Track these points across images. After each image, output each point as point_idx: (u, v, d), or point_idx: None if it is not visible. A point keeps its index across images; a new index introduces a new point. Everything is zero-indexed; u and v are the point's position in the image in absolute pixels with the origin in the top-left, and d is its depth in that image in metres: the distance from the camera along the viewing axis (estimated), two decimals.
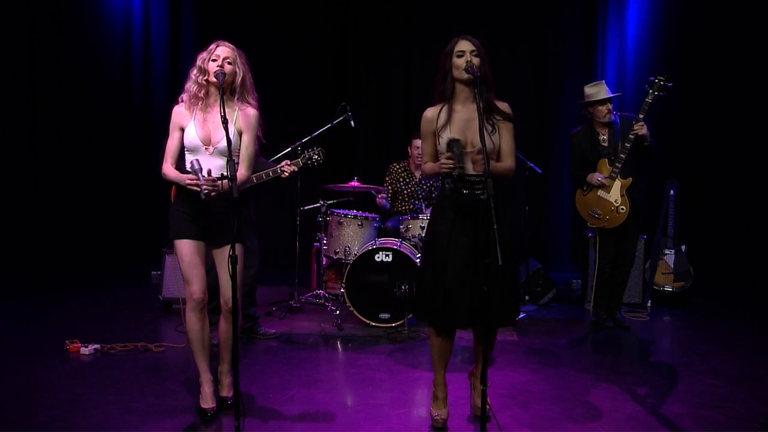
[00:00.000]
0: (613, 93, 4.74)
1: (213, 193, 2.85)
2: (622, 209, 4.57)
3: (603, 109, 4.63)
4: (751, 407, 3.30)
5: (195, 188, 2.87)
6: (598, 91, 4.65)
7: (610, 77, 6.90)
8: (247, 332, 4.41)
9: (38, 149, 6.49)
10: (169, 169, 3.05)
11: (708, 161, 6.63)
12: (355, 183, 5.15)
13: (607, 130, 4.67)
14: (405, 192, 5.55)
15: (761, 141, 6.36)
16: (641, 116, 4.43)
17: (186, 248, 3.05)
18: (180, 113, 3.07)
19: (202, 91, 3.03)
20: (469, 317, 2.86)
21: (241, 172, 3.07)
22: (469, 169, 2.86)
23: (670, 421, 3.14)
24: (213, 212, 3.01)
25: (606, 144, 4.67)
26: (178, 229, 3.05)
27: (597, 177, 4.63)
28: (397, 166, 5.61)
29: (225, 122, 2.79)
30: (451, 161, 2.77)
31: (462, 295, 2.84)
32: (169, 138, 3.09)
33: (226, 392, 3.21)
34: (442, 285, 2.87)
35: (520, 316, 5.14)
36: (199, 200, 2.90)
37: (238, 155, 3.09)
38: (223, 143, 2.89)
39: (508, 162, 2.96)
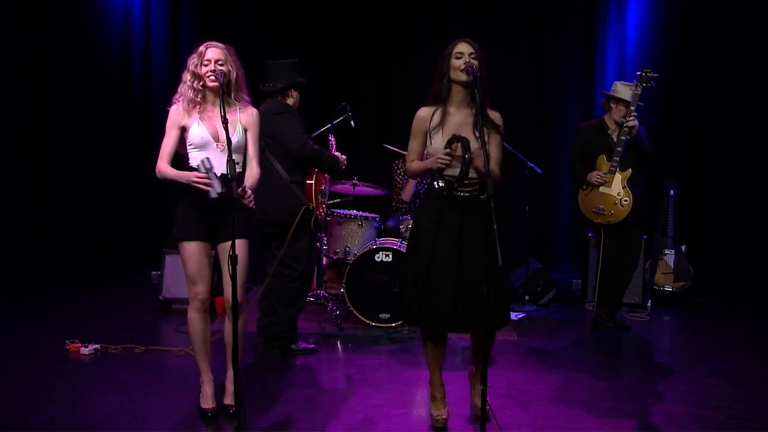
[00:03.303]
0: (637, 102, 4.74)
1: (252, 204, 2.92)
2: (625, 201, 4.58)
3: (623, 109, 4.62)
4: (751, 407, 3.30)
5: (203, 187, 2.84)
6: (627, 91, 4.64)
7: (610, 77, 6.89)
8: (283, 344, 4.07)
9: (38, 149, 6.47)
10: (165, 167, 3.00)
11: (708, 161, 6.62)
12: (359, 187, 5.15)
13: (617, 128, 4.70)
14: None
15: (761, 141, 6.35)
16: (632, 108, 4.48)
17: (192, 249, 3.05)
18: (179, 112, 3.05)
19: (199, 96, 3.04)
20: (452, 321, 2.85)
21: (255, 170, 3.10)
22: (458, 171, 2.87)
23: (670, 421, 3.14)
24: (221, 212, 2.99)
25: (615, 138, 4.69)
26: (184, 230, 3.05)
27: (597, 175, 4.64)
28: (399, 163, 5.61)
29: (225, 122, 2.79)
30: (448, 158, 2.74)
31: (443, 297, 2.83)
32: (166, 137, 3.06)
33: (230, 400, 3.14)
34: (423, 286, 2.85)
35: (519, 316, 5.15)
36: (207, 199, 2.90)
37: (244, 152, 3.10)
38: (232, 139, 2.88)
39: (495, 171, 2.89)
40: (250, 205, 2.95)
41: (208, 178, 2.85)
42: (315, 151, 3.97)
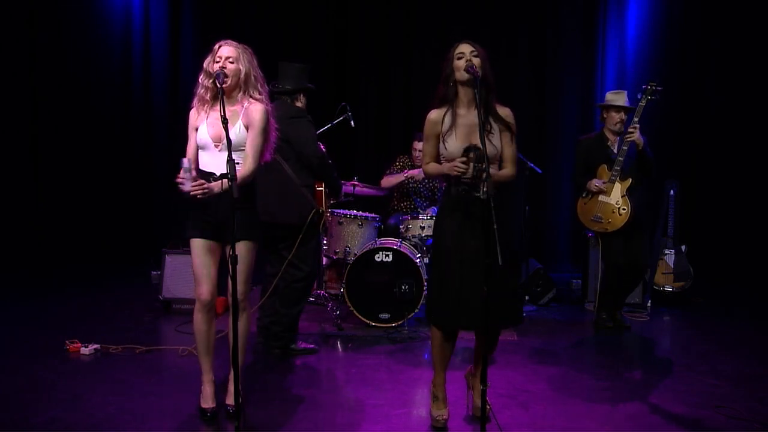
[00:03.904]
0: (631, 105, 4.77)
1: (200, 195, 2.84)
2: (624, 209, 4.58)
3: (616, 116, 4.69)
4: (751, 407, 3.30)
5: (181, 186, 2.86)
6: (617, 98, 4.74)
7: (609, 77, 6.90)
8: (283, 343, 4.07)
9: (38, 149, 6.48)
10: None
11: (708, 161, 6.63)
12: (358, 189, 5.16)
13: (617, 138, 4.73)
14: (407, 188, 5.56)
15: (761, 141, 6.36)
16: (636, 119, 4.52)
17: (197, 247, 3.05)
18: (193, 115, 3.10)
19: (209, 94, 3.05)
20: (478, 319, 2.86)
21: (247, 165, 3.03)
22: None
23: (670, 421, 3.14)
24: (224, 212, 2.96)
25: (614, 149, 4.71)
26: (191, 228, 3.05)
27: (596, 183, 4.66)
28: (404, 160, 5.61)
29: (225, 122, 2.78)
30: (465, 166, 2.79)
31: (473, 297, 2.83)
32: (189, 140, 3.11)
33: (230, 399, 3.13)
34: (453, 287, 2.88)
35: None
36: (214, 197, 2.89)
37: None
38: (231, 138, 2.88)
39: (508, 169, 3.01)
40: (197, 196, 2.85)
41: (183, 177, 2.86)
42: (329, 165, 4.04)
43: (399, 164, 5.61)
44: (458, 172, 2.81)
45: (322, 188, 4.07)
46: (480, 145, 2.74)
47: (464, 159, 2.81)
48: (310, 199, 3.96)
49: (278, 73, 4.05)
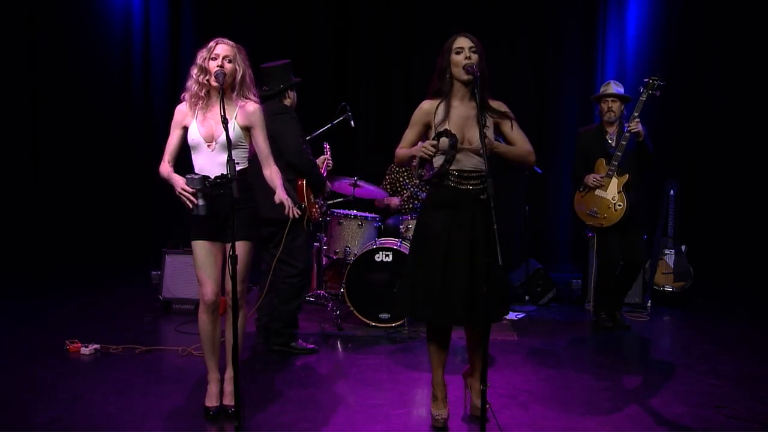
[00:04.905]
0: (625, 93, 4.78)
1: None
2: (619, 206, 4.59)
3: (604, 106, 4.73)
4: (751, 407, 3.30)
5: (186, 201, 2.91)
6: (606, 88, 4.77)
7: (609, 77, 6.89)
8: (284, 340, 4.09)
9: (38, 149, 6.48)
10: (164, 167, 3.06)
11: (708, 161, 6.63)
12: (360, 188, 5.15)
13: (615, 129, 4.73)
14: (406, 193, 5.56)
15: (761, 141, 6.36)
16: (636, 114, 4.50)
17: (200, 249, 3.04)
18: (182, 112, 3.06)
19: (204, 91, 3.02)
20: (465, 314, 2.85)
21: (273, 168, 3.14)
22: (467, 165, 2.86)
23: (670, 421, 3.14)
24: (226, 212, 2.95)
25: (612, 142, 4.71)
26: (193, 230, 3.05)
27: (593, 178, 4.66)
28: (394, 168, 5.61)
29: (225, 122, 2.78)
30: (433, 149, 2.75)
31: (459, 292, 2.83)
32: (170, 136, 3.08)
33: (228, 400, 3.13)
34: (438, 282, 2.85)
35: (519, 316, 5.15)
36: (213, 198, 2.90)
37: (243, 149, 3.07)
38: (223, 138, 2.89)
39: (525, 146, 2.96)
40: (293, 214, 3.08)
41: (194, 196, 2.89)
42: (309, 161, 4.01)
43: (393, 172, 5.61)
44: (425, 154, 2.76)
45: (303, 183, 4.05)
46: (477, 136, 2.72)
47: (434, 142, 2.77)
48: (292, 194, 3.95)
49: (262, 78, 4.00)
